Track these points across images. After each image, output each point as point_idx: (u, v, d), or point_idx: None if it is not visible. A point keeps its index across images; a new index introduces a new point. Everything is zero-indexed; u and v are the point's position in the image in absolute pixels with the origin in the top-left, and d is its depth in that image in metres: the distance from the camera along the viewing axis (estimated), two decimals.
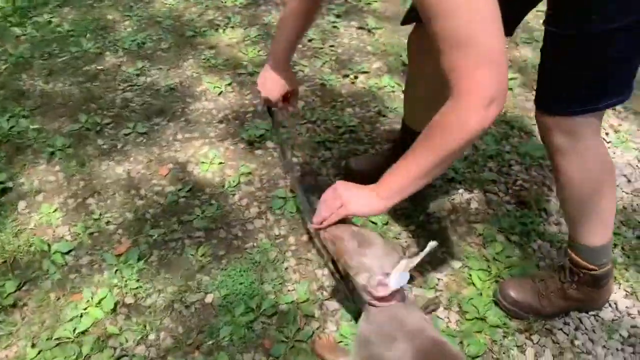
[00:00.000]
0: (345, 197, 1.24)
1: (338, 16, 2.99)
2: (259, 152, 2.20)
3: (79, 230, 1.88)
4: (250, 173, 2.09)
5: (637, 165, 2.11)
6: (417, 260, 1.21)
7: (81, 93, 2.50)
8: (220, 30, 2.90)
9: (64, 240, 1.85)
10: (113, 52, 2.76)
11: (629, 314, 1.62)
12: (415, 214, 1.92)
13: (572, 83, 1.28)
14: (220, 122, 2.35)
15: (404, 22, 1.71)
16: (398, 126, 2.30)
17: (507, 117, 2.33)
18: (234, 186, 2.04)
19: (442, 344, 1.26)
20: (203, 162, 2.14)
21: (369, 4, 3.11)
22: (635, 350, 1.53)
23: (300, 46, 2.77)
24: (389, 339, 1.27)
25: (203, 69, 2.63)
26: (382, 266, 1.23)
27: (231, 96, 2.48)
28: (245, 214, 1.95)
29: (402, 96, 2.46)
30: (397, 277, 1.21)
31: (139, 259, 1.78)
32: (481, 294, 1.67)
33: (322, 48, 2.76)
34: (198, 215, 1.93)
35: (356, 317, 1.60)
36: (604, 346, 1.54)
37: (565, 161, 1.38)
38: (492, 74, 1.02)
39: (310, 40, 2.81)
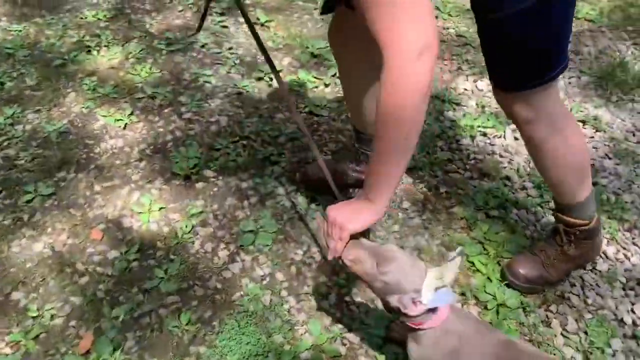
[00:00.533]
0: (340, 219, 1.19)
1: (222, 14, 2.73)
2: (199, 185, 1.93)
3: (18, 337, 1.49)
4: (201, 212, 1.83)
5: None
6: (449, 272, 1.13)
7: None
8: (94, 52, 2.49)
9: (3, 356, 1.46)
10: None
11: (617, 259, 1.72)
12: (393, 214, 1.83)
13: (518, 62, 1.29)
14: (139, 160, 2.02)
15: (323, 12, 1.62)
16: (336, 124, 2.19)
17: (434, 92, 2.32)
18: (189, 232, 1.78)
19: (511, 343, 1.22)
20: (140, 213, 1.83)
21: None
22: (636, 293, 1.63)
23: (195, 54, 2.49)
24: (454, 355, 1.19)
25: (92, 102, 2.24)
26: (412, 282, 1.14)
27: (139, 127, 2.15)
28: (216, 261, 1.70)
29: (326, 90, 2.34)
30: (432, 294, 1.12)
31: (113, 350, 1.46)
32: (490, 279, 1.65)
33: (220, 52, 2.50)
34: (162, 278, 1.64)
35: (384, 338, 1.50)
36: (611, 297, 1.62)
37: (537, 131, 1.40)
38: (416, 25, 1.02)
39: (203, 46, 2.53)
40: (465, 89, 2.34)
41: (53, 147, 2.06)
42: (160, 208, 1.84)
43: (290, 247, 1.74)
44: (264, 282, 1.65)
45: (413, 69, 1.02)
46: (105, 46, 2.53)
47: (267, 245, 1.74)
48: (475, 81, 2.38)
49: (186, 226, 1.79)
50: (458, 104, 2.27)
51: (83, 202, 1.87)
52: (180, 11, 2.75)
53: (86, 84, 2.32)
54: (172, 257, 1.71)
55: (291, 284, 1.64)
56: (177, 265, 1.68)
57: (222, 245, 1.75)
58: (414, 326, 1.17)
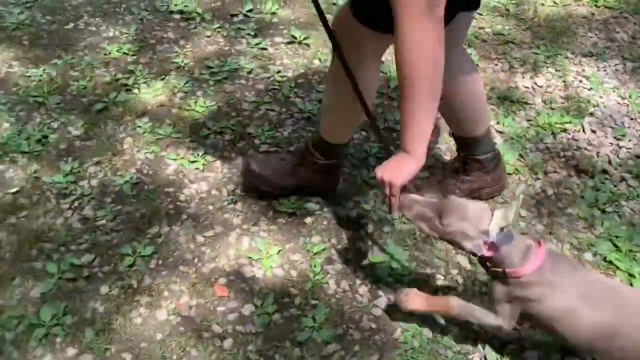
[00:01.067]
0: (387, 177, 1.32)
1: (254, 36, 2.61)
2: (308, 220, 1.83)
3: None
4: (323, 250, 1.74)
5: (625, 103, 2.30)
6: (510, 212, 1.23)
7: (12, 234, 1.77)
8: (135, 90, 2.30)
9: None
10: (11, 163, 2.00)
11: None
12: (515, 223, 1.81)
13: None
14: (233, 202, 1.89)
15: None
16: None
17: (501, 94, 2.32)
18: (318, 273, 1.68)
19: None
20: (259, 259, 1.71)
21: (274, 13, 2.77)
22: None
23: (245, 82, 2.36)
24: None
25: (155, 145, 2.07)
26: (476, 226, 1.23)
27: (218, 166, 2.01)
28: (359, 299, 1.62)
29: (394, 104, 2.29)
30: (497, 233, 1.21)
31: None
32: (632, 275, 1.67)
33: (270, 77, 2.38)
34: (312, 327, 1.55)
35: (561, 351, 1.48)
36: None
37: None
38: None
39: (250, 72, 2.40)
40: (526, 87, 2.36)
41: (131, 200, 1.89)
42: (279, 251, 1.73)
43: (427, 273, 1.69)
44: (417, 314, 1.59)
45: (426, 23, 1.13)
46: (143, 82, 2.34)
47: (404, 275, 1.68)
48: (532, 78, 2.40)
49: (314, 266, 1.69)
50: (526, 103, 2.28)
51: (191, 257, 1.73)
52: (208, 36, 2.60)
53: (140, 127, 2.14)
54: (312, 302, 1.61)
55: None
56: (322, 310, 1.58)
57: (359, 281, 1.67)
58: (510, 273, 1.26)
